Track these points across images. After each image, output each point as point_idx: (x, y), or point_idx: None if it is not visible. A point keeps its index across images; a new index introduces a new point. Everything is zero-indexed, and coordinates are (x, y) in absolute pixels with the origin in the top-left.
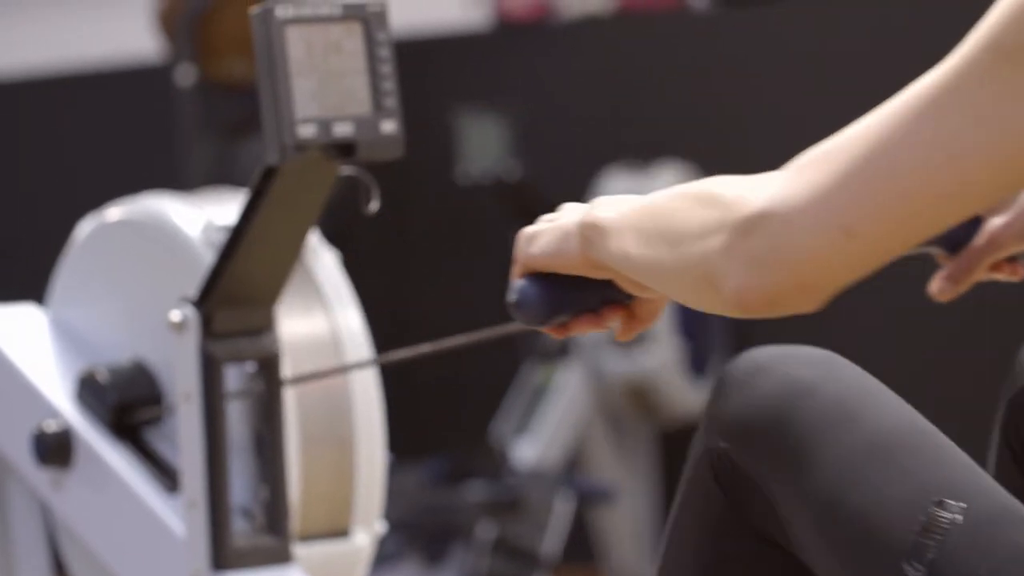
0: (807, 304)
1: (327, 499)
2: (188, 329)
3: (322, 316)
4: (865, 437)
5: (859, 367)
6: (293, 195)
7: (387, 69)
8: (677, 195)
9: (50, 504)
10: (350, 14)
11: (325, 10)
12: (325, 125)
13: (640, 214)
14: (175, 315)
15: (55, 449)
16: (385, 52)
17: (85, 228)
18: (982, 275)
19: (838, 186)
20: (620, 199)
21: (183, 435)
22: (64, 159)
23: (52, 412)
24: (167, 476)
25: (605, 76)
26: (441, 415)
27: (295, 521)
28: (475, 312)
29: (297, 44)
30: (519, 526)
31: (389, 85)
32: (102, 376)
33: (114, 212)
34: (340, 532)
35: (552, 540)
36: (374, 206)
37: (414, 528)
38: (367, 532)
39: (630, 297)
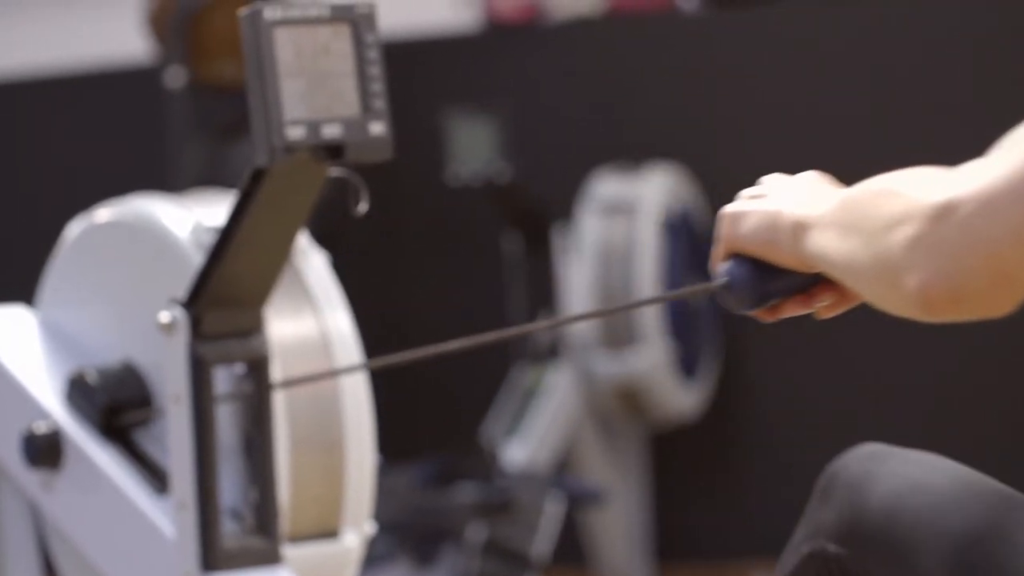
0: (999, 301)
1: (317, 500)
2: (177, 331)
3: (311, 318)
4: (975, 527)
5: (957, 462)
6: (282, 197)
7: (376, 71)
8: (870, 187)
9: (40, 505)
10: (338, 16)
11: (313, 12)
12: (314, 127)
13: (838, 209)
14: (164, 316)
15: (45, 450)
16: (374, 54)
17: (74, 229)
18: None
19: None
20: (820, 186)
21: (173, 436)
22: (54, 160)
23: (42, 413)
24: (157, 477)
25: (595, 77)
26: (431, 417)
27: (285, 522)
28: (465, 313)
29: (286, 46)
30: (509, 527)
31: (378, 87)
32: (92, 377)
33: (103, 213)
34: (330, 533)
35: (542, 541)
36: (363, 208)
37: (404, 529)
38: (357, 533)
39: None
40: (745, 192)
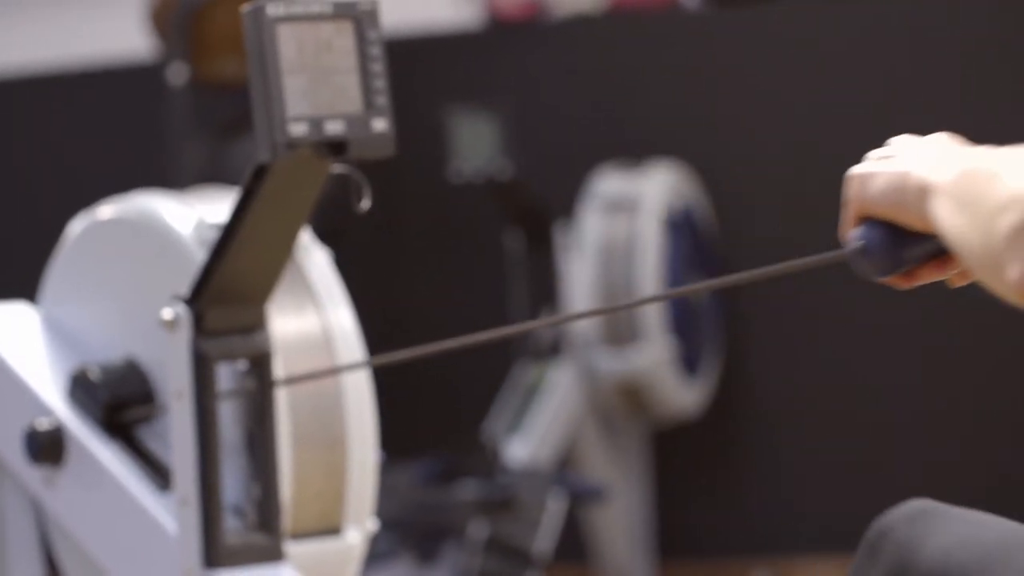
0: None
1: (319, 497)
2: (180, 327)
3: (314, 314)
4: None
5: (1008, 520)
6: (285, 193)
7: (378, 67)
8: (989, 164)
9: (42, 502)
10: (341, 12)
11: (316, 8)
12: (316, 123)
13: (957, 181)
14: (167, 313)
15: (47, 447)
16: (376, 50)
17: (77, 226)
18: None
19: None
20: (949, 148)
21: (175, 433)
22: (56, 157)
23: (44, 410)
24: (159, 474)
25: (597, 75)
26: (433, 414)
27: (287, 519)
28: (468, 310)
29: (288, 42)
30: (511, 525)
31: (380, 83)
32: (94, 374)
33: (106, 210)
34: (332, 530)
35: (544, 539)
36: (365, 204)
37: (406, 527)
38: (359, 530)
39: None
40: (873, 153)
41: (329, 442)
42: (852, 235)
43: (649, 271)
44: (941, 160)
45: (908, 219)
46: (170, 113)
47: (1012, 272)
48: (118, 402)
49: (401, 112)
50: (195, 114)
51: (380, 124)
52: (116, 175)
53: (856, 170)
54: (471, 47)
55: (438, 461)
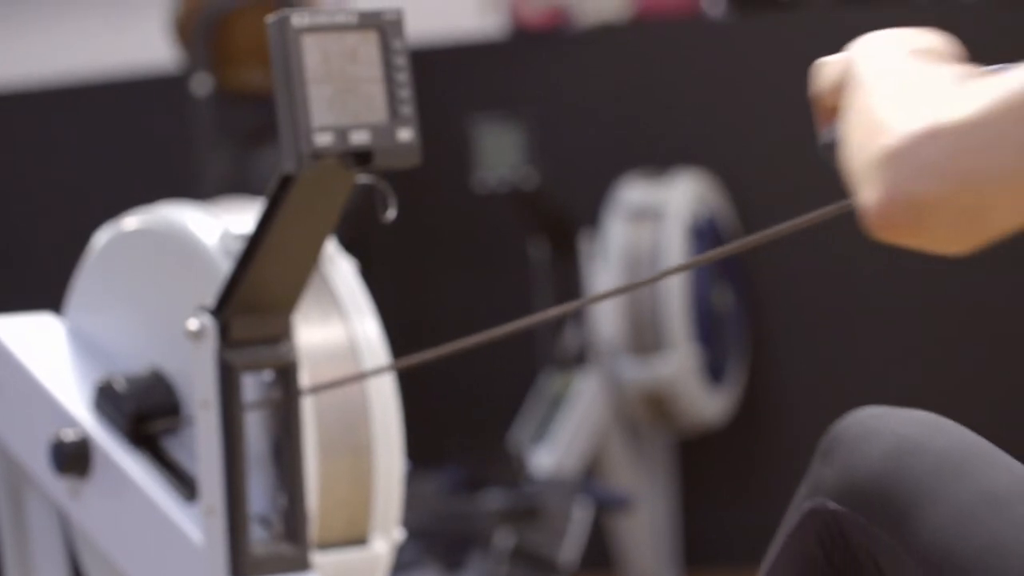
0: (961, 237)
1: (345, 507)
2: (205, 337)
3: (339, 324)
4: (975, 489)
5: (963, 427)
6: (310, 203)
7: (403, 77)
8: (900, 76)
9: (68, 513)
10: (366, 22)
11: (341, 18)
12: (342, 133)
13: (874, 82)
14: (192, 323)
15: (73, 458)
16: (401, 60)
17: (102, 237)
18: None
19: None
20: (891, 43)
21: (201, 443)
22: (80, 168)
23: (70, 421)
24: (185, 484)
25: (621, 83)
26: (459, 423)
27: (313, 529)
28: (492, 319)
29: (313, 52)
30: (537, 534)
31: (405, 93)
32: (119, 385)
33: (131, 221)
34: (358, 540)
35: (570, 548)
36: (391, 214)
37: (432, 536)
38: (385, 540)
39: None
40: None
41: (355, 451)
42: (823, 132)
43: (674, 280)
44: (878, 54)
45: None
46: (194, 123)
47: (869, 196)
48: (144, 413)
49: (426, 121)
50: (219, 124)
51: (405, 134)
52: (141, 185)
53: (817, 63)
54: (496, 56)
55: (464, 470)
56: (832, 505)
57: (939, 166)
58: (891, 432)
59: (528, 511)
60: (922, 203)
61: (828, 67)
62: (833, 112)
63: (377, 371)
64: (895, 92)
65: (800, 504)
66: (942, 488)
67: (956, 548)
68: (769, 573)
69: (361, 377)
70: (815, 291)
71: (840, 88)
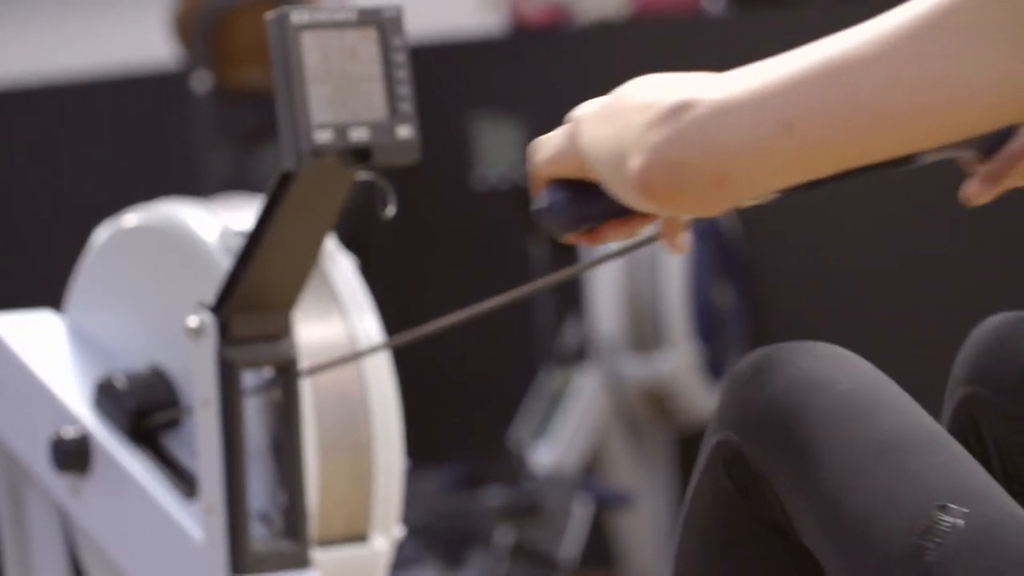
0: (713, 200)
1: (345, 504)
2: (205, 335)
3: (339, 321)
4: (873, 436)
5: (872, 363)
6: (310, 201)
7: (403, 74)
8: (637, 81)
9: (68, 510)
10: (366, 19)
11: (341, 15)
12: (341, 130)
13: (607, 99)
14: (192, 321)
15: (73, 455)
16: (401, 57)
17: (102, 234)
18: (1018, 179)
19: (788, 83)
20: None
21: (201, 441)
22: (81, 165)
23: (70, 418)
24: (185, 482)
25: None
26: (459, 420)
27: (313, 526)
28: (492, 317)
29: (313, 50)
30: (537, 531)
31: (405, 90)
32: (120, 382)
33: (131, 218)
34: (358, 537)
35: (570, 545)
36: (391, 211)
37: (432, 533)
38: (385, 537)
39: None
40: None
41: (355, 449)
42: (537, 199)
43: (674, 277)
44: (591, 101)
45: (569, 164)
46: (194, 121)
47: (636, 162)
48: (144, 410)
49: (426, 119)
50: (219, 122)
51: (405, 131)
52: (141, 183)
53: (536, 140)
54: (495, 53)
55: (463, 467)
56: (735, 437)
57: (693, 135)
58: (796, 366)
59: (528, 508)
60: (676, 175)
61: (546, 140)
62: (548, 181)
63: (373, 349)
64: (647, 87)
65: (708, 438)
66: (842, 431)
67: (849, 495)
68: (687, 509)
69: (357, 357)
70: (816, 288)
71: (561, 154)
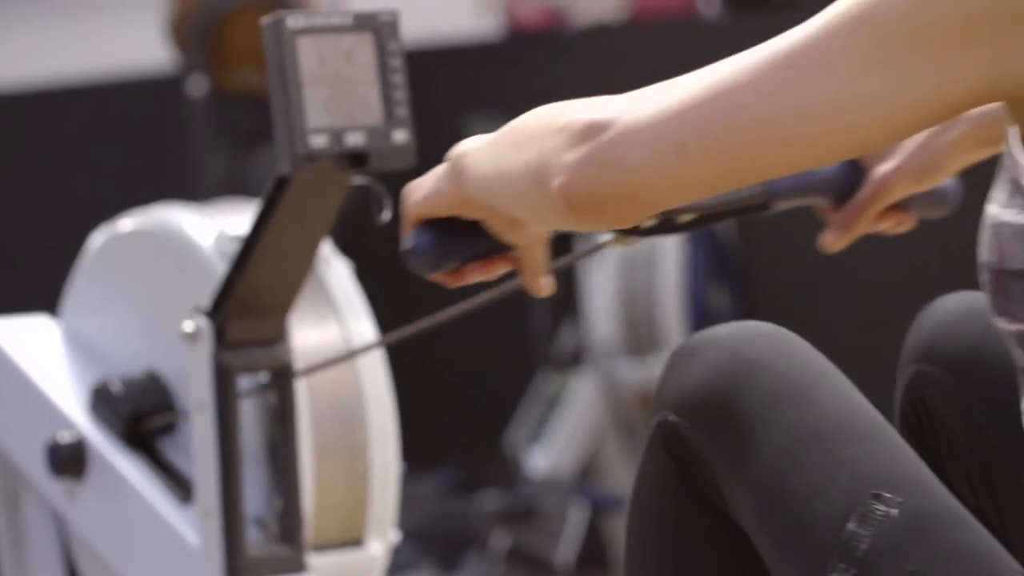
0: (630, 214)
1: (341, 508)
2: (201, 339)
3: (335, 326)
4: (810, 422)
5: (811, 345)
6: (305, 205)
7: (398, 79)
8: (534, 112)
9: (64, 515)
10: (361, 24)
11: (336, 20)
12: (337, 135)
13: (498, 133)
14: (188, 325)
15: (69, 460)
16: (396, 62)
17: (98, 239)
18: (869, 226)
19: (682, 107)
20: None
21: (197, 445)
22: (76, 170)
23: (66, 423)
24: (181, 486)
25: (616, 84)
26: (454, 424)
27: (309, 530)
28: (489, 322)
29: (309, 54)
30: (533, 535)
31: (401, 95)
32: (115, 387)
33: (127, 223)
34: (354, 541)
35: (566, 549)
36: (386, 216)
37: (428, 537)
38: (381, 541)
39: (508, 247)
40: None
41: (351, 453)
42: (404, 240)
43: (670, 281)
44: (472, 138)
45: (445, 203)
46: (190, 125)
47: (561, 180)
48: (139, 414)
49: (421, 123)
50: (215, 126)
51: (401, 135)
52: (137, 187)
53: (409, 184)
54: (491, 57)
55: (459, 471)
56: (673, 416)
57: (604, 156)
58: (732, 347)
59: (524, 512)
60: (595, 193)
61: (420, 183)
62: (416, 223)
63: (367, 347)
64: (550, 113)
65: (651, 418)
66: (778, 414)
67: (784, 480)
68: (634, 488)
69: (351, 356)
70: (811, 292)
71: (436, 193)
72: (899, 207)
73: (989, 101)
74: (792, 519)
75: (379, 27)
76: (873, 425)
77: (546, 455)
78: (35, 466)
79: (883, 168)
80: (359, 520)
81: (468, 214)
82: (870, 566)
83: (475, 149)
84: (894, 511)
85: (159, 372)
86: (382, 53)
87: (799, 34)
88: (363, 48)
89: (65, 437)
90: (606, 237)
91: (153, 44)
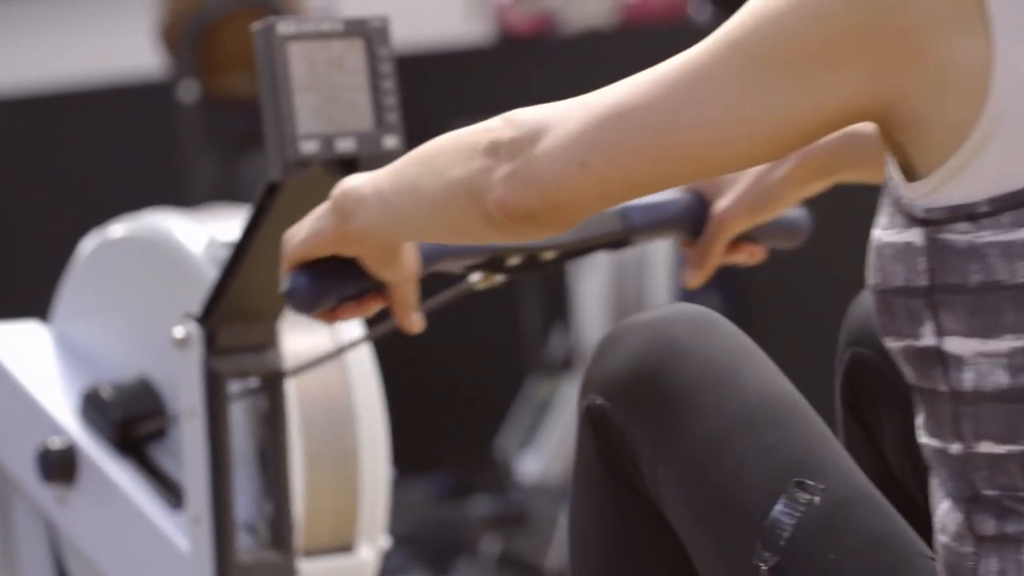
0: (560, 222)
1: (331, 514)
2: (192, 345)
3: (325, 331)
4: (734, 408)
5: (735, 327)
6: (296, 211)
7: (389, 84)
8: (442, 138)
9: (55, 521)
10: (352, 30)
11: (327, 26)
12: (327, 141)
13: (400, 164)
14: (179, 331)
15: (59, 466)
16: (387, 67)
17: (89, 244)
18: (720, 259)
19: (583, 128)
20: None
21: (187, 451)
22: (68, 175)
23: (56, 429)
24: (172, 492)
25: None
26: (445, 430)
27: (299, 536)
28: (479, 326)
29: (299, 60)
30: (523, 540)
31: (391, 100)
32: (106, 392)
33: (118, 228)
34: (344, 547)
35: (556, 554)
36: None
37: (419, 543)
38: (372, 547)
39: (382, 284)
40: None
41: (341, 459)
42: (283, 282)
43: (660, 286)
44: (356, 176)
45: (326, 243)
46: (181, 130)
47: (495, 194)
48: (130, 420)
49: (412, 127)
50: (206, 131)
51: (391, 141)
52: (128, 192)
53: (290, 228)
54: (482, 62)
55: (450, 477)
56: (600, 400)
57: (526, 173)
58: (658, 330)
59: (515, 517)
60: (524, 199)
61: (298, 227)
62: (293, 265)
63: (354, 343)
64: (453, 136)
65: (579, 403)
66: (703, 399)
67: (708, 466)
68: (573, 471)
69: (339, 353)
70: (802, 297)
71: (317, 234)
72: (750, 239)
73: (862, 120)
74: (716, 506)
75: (370, 33)
76: (796, 411)
77: (537, 460)
78: (26, 472)
79: (722, 203)
80: (350, 526)
81: (346, 252)
82: (792, 553)
83: (368, 184)
84: (816, 499)
85: (150, 378)
86: (373, 59)
87: (685, 58)
88: (354, 54)
89: (56, 443)
90: (475, 277)
91: (144, 50)
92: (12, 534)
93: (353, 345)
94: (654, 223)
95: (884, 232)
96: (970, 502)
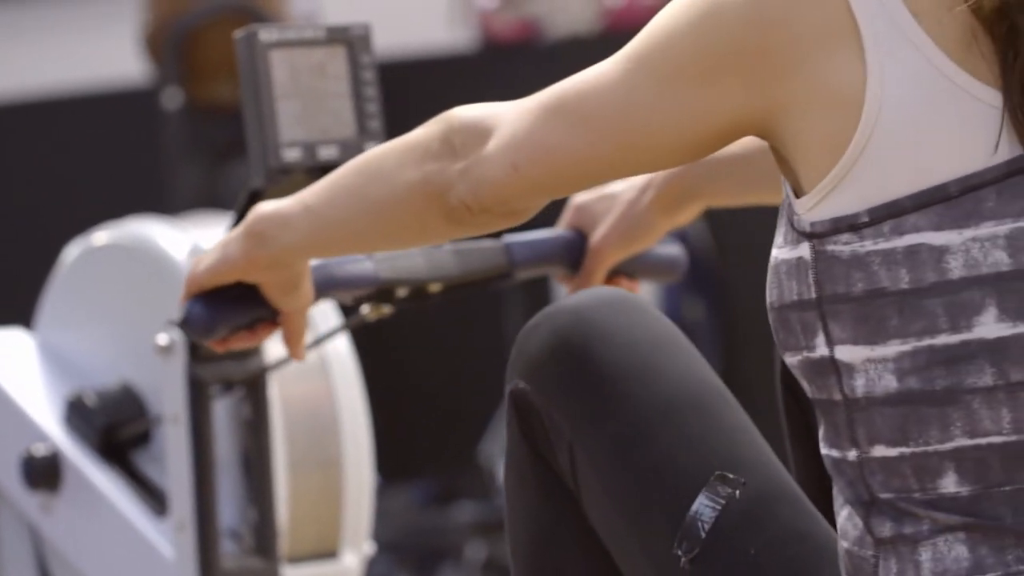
0: (512, 215)
1: (315, 520)
2: (175, 352)
3: (308, 337)
4: (657, 395)
5: (659, 313)
6: None
7: (371, 92)
8: (377, 148)
9: (39, 528)
10: (334, 37)
11: (309, 33)
12: (310, 148)
13: (330, 179)
14: (162, 338)
15: (43, 473)
16: (369, 75)
17: (72, 252)
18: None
19: (513, 133)
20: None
21: (171, 458)
22: (50, 183)
23: (40, 436)
24: (156, 499)
25: None
26: (429, 436)
27: (284, 543)
28: (463, 327)
29: (281, 67)
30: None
31: (373, 107)
32: (90, 399)
33: (101, 236)
34: (328, 553)
35: None
36: None
37: (403, 549)
38: (356, 553)
39: (275, 313)
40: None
41: (325, 465)
42: (179, 310)
43: (645, 292)
44: (272, 201)
45: (234, 270)
46: (165, 137)
47: (453, 193)
48: (114, 427)
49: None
50: (190, 138)
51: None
52: (111, 200)
53: (196, 256)
54: (465, 69)
55: (434, 483)
56: (523, 384)
57: (473, 173)
58: (579, 314)
59: (499, 524)
60: (478, 194)
61: (204, 255)
62: (191, 294)
63: (332, 332)
64: (397, 144)
65: (506, 388)
66: (625, 387)
67: (629, 455)
68: (504, 463)
69: (320, 342)
70: None
71: (226, 261)
72: (626, 275)
73: (748, 134)
74: (637, 494)
75: (352, 40)
76: (718, 401)
77: None
78: (9, 479)
79: (596, 235)
80: (334, 532)
81: (252, 279)
82: (712, 546)
83: (288, 206)
84: (737, 492)
85: (134, 385)
86: (355, 66)
87: (593, 71)
88: (336, 61)
89: (40, 450)
90: (365, 309)
91: (127, 57)
92: None
93: (331, 334)
94: (536, 258)
95: (779, 250)
96: (868, 506)
